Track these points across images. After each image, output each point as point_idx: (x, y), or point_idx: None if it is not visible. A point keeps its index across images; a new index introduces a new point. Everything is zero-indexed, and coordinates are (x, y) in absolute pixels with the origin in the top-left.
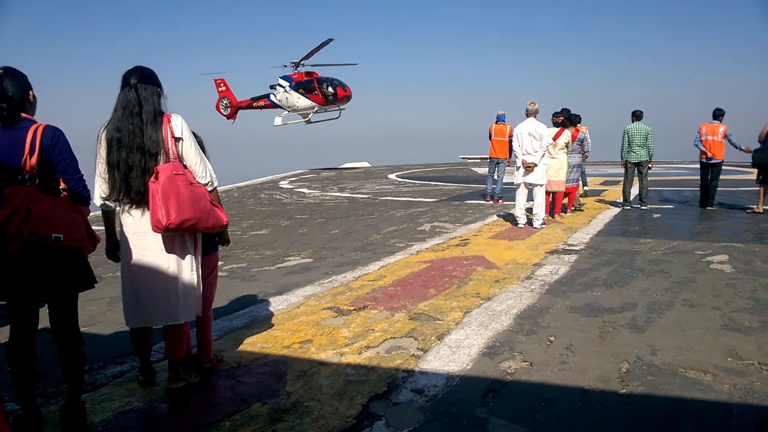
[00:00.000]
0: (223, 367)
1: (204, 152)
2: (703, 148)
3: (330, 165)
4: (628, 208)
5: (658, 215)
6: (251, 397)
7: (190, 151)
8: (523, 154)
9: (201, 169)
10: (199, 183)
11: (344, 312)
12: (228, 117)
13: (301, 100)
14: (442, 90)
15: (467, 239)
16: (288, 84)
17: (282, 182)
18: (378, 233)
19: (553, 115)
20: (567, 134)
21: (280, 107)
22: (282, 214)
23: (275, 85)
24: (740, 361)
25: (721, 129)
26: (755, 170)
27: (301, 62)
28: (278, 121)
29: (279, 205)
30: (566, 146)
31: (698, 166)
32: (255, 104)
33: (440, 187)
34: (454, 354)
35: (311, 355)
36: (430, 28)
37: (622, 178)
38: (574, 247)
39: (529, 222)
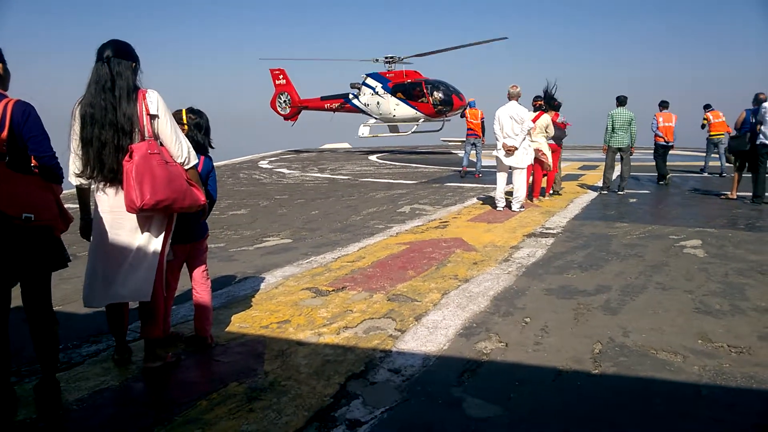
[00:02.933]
0: (212, 346)
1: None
2: (660, 134)
3: (310, 146)
4: (606, 192)
5: (635, 200)
6: (228, 376)
7: (165, 128)
8: (504, 138)
9: (177, 148)
10: (175, 162)
11: (323, 293)
12: (287, 117)
13: (400, 108)
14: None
15: (446, 221)
16: (380, 85)
17: (261, 162)
18: (358, 215)
19: (534, 99)
20: (546, 118)
21: (364, 112)
22: (261, 194)
23: (358, 84)
24: (710, 344)
25: (674, 116)
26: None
27: (405, 59)
28: (364, 131)
29: (258, 185)
30: (545, 130)
31: (653, 150)
32: (327, 105)
33: (421, 169)
34: (431, 334)
35: (289, 335)
36: (405, 11)
37: (603, 163)
38: (551, 231)
39: (509, 205)
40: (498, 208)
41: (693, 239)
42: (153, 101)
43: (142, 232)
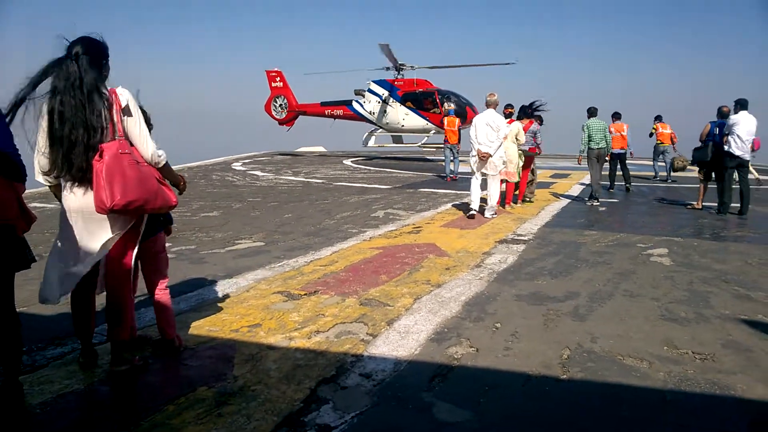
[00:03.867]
0: (181, 349)
1: (149, 128)
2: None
3: (285, 148)
4: (597, 204)
5: (603, 209)
6: (197, 380)
7: (135, 128)
8: (479, 144)
9: (145, 147)
10: (145, 162)
11: (295, 296)
12: (282, 122)
13: (409, 118)
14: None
15: (420, 227)
16: (388, 92)
17: (235, 164)
18: (331, 218)
19: (505, 107)
20: (516, 125)
21: (369, 121)
22: (234, 196)
23: (362, 91)
24: (675, 350)
25: (626, 126)
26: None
27: (412, 67)
28: (371, 142)
29: (231, 187)
30: (516, 138)
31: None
32: (328, 111)
33: (395, 174)
34: (402, 339)
35: (260, 339)
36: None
37: (574, 172)
38: (522, 237)
39: (481, 211)
40: (470, 213)
41: (660, 248)
42: (124, 100)
43: (112, 233)
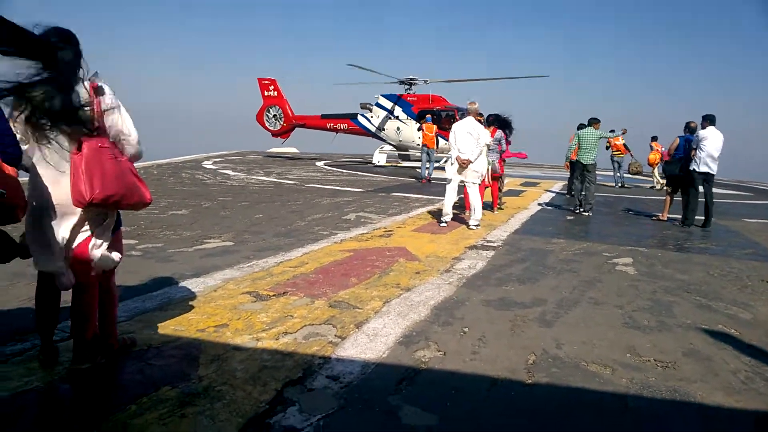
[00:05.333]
0: (132, 350)
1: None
2: (569, 154)
3: (257, 148)
4: (579, 211)
5: (571, 218)
6: (161, 380)
7: (117, 121)
8: (460, 152)
9: (130, 141)
10: (124, 157)
11: (263, 297)
12: (276, 134)
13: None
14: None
15: (391, 230)
16: (401, 108)
17: (205, 162)
18: (303, 220)
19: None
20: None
21: (376, 136)
22: (204, 195)
23: (370, 105)
24: (637, 358)
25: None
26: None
27: (425, 81)
28: (381, 159)
29: (201, 186)
30: (486, 146)
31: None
32: (329, 125)
33: (368, 177)
34: (371, 342)
35: (226, 340)
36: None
37: (544, 181)
38: (492, 244)
39: (464, 223)
40: (442, 224)
41: (625, 257)
42: (105, 94)
43: (83, 228)
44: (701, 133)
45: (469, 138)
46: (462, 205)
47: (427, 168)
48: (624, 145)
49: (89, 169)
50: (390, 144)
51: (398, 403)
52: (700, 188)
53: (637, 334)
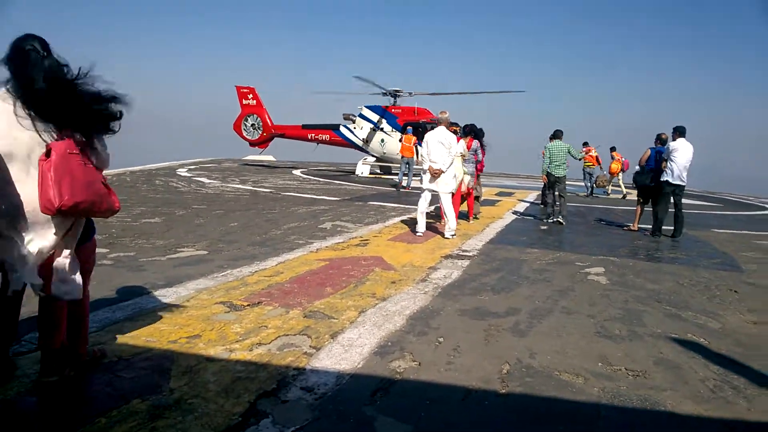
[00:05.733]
0: (101, 361)
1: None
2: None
3: (233, 156)
4: (550, 221)
5: (545, 227)
6: (131, 392)
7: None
8: (431, 162)
9: (101, 147)
10: (92, 164)
11: (237, 307)
12: (254, 143)
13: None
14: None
15: (367, 240)
16: (385, 120)
17: (180, 170)
18: (278, 229)
19: (449, 125)
20: (462, 143)
21: (359, 147)
22: (178, 202)
23: (353, 116)
24: (609, 367)
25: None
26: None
27: (410, 93)
28: (364, 171)
29: (175, 193)
30: (461, 154)
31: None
32: (311, 135)
33: (344, 186)
34: (346, 352)
35: (199, 351)
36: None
37: (518, 191)
38: (467, 253)
39: (439, 232)
40: (417, 233)
41: (597, 267)
42: None
43: (53, 236)
44: (672, 144)
45: (440, 147)
46: (438, 215)
47: (405, 176)
48: (596, 157)
49: (58, 176)
50: (373, 156)
51: (373, 414)
52: (671, 199)
53: (609, 344)
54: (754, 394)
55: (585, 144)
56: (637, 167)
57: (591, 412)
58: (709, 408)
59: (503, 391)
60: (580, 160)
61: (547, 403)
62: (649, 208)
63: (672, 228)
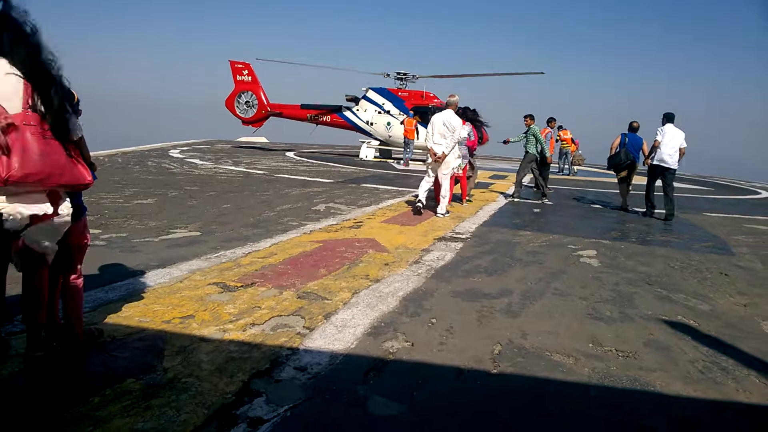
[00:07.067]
0: (98, 341)
1: (77, 114)
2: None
3: (226, 137)
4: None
5: (538, 210)
6: (124, 372)
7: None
8: (433, 143)
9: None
10: (53, 136)
11: (231, 288)
12: (248, 122)
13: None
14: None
15: (361, 222)
16: (392, 103)
17: (172, 151)
18: (272, 210)
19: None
20: (466, 128)
21: (362, 130)
22: (170, 184)
23: (355, 98)
24: (600, 348)
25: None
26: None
27: (414, 76)
28: (368, 154)
29: (167, 175)
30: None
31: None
32: (309, 115)
33: (338, 168)
34: (339, 333)
35: (192, 331)
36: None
37: (508, 174)
38: (460, 236)
39: (431, 209)
40: (416, 207)
41: (589, 249)
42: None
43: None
44: (660, 130)
45: (444, 129)
46: (432, 197)
47: (407, 155)
48: (571, 138)
49: (9, 147)
50: (377, 139)
51: (366, 393)
52: (658, 182)
53: (600, 325)
54: (742, 375)
55: (560, 127)
56: (611, 152)
57: (581, 392)
58: (698, 389)
59: (495, 371)
60: (557, 141)
61: (538, 383)
62: (641, 192)
63: (663, 211)
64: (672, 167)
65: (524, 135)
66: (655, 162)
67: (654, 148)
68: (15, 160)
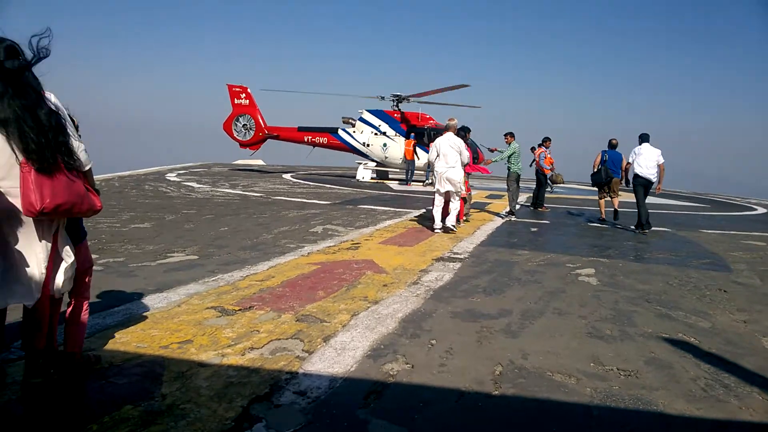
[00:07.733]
0: (95, 367)
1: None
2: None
3: (223, 160)
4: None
5: (535, 229)
6: (122, 399)
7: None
8: (447, 168)
9: (78, 150)
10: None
11: (229, 312)
12: (245, 144)
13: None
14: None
15: (358, 243)
16: (387, 125)
17: (169, 174)
18: (269, 233)
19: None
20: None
21: (359, 152)
22: (167, 207)
23: (351, 120)
24: (601, 367)
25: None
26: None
27: (408, 98)
28: (365, 175)
29: (164, 198)
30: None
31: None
32: (307, 138)
33: (335, 190)
34: (339, 356)
35: (191, 356)
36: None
37: (504, 193)
38: (458, 256)
39: (446, 229)
40: (436, 230)
41: (587, 268)
42: (52, 103)
43: (33, 237)
44: (636, 149)
45: (451, 151)
46: (429, 216)
47: (411, 175)
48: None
49: (38, 179)
50: (374, 161)
51: (366, 417)
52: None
53: (600, 344)
54: (745, 392)
55: (540, 145)
56: (593, 169)
57: (584, 412)
58: (701, 407)
59: (496, 392)
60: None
61: (540, 404)
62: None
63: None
64: (647, 178)
65: (502, 152)
66: (636, 173)
67: (627, 169)
68: (47, 192)
